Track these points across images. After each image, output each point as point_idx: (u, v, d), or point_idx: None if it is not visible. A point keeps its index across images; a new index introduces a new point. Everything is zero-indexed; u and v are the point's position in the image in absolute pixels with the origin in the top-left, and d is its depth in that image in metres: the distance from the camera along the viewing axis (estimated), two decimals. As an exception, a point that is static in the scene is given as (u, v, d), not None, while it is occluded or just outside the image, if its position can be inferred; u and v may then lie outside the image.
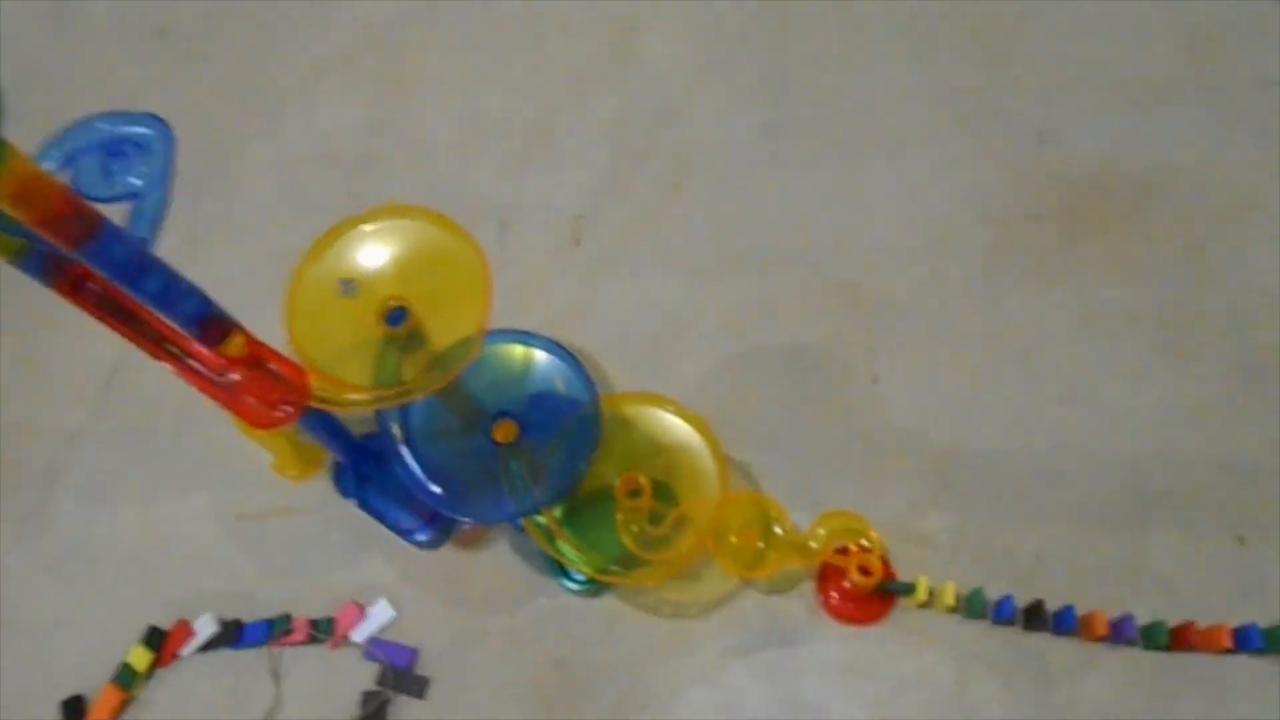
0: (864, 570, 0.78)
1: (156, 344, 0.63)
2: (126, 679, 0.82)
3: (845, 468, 0.87)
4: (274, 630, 0.84)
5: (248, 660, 0.84)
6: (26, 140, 0.62)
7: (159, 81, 1.14)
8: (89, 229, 0.50)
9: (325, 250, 0.71)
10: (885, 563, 0.81)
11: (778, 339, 0.94)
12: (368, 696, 0.81)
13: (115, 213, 0.56)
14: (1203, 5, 1.06)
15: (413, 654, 0.83)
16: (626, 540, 0.78)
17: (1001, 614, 0.80)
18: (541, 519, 0.79)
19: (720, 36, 1.11)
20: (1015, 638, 0.80)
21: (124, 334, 0.62)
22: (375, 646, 0.83)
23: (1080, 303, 0.93)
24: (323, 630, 0.84)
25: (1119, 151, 1.00)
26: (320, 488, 0.89)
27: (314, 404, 0.67)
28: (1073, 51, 1.05)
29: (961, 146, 1.02)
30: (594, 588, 0.83)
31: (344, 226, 0.72)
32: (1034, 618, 0.80)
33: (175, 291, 0.57)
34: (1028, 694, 0.78)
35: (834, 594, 0.82)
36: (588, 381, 0.80)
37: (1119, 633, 0.78)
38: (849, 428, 0.89)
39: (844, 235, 0.98)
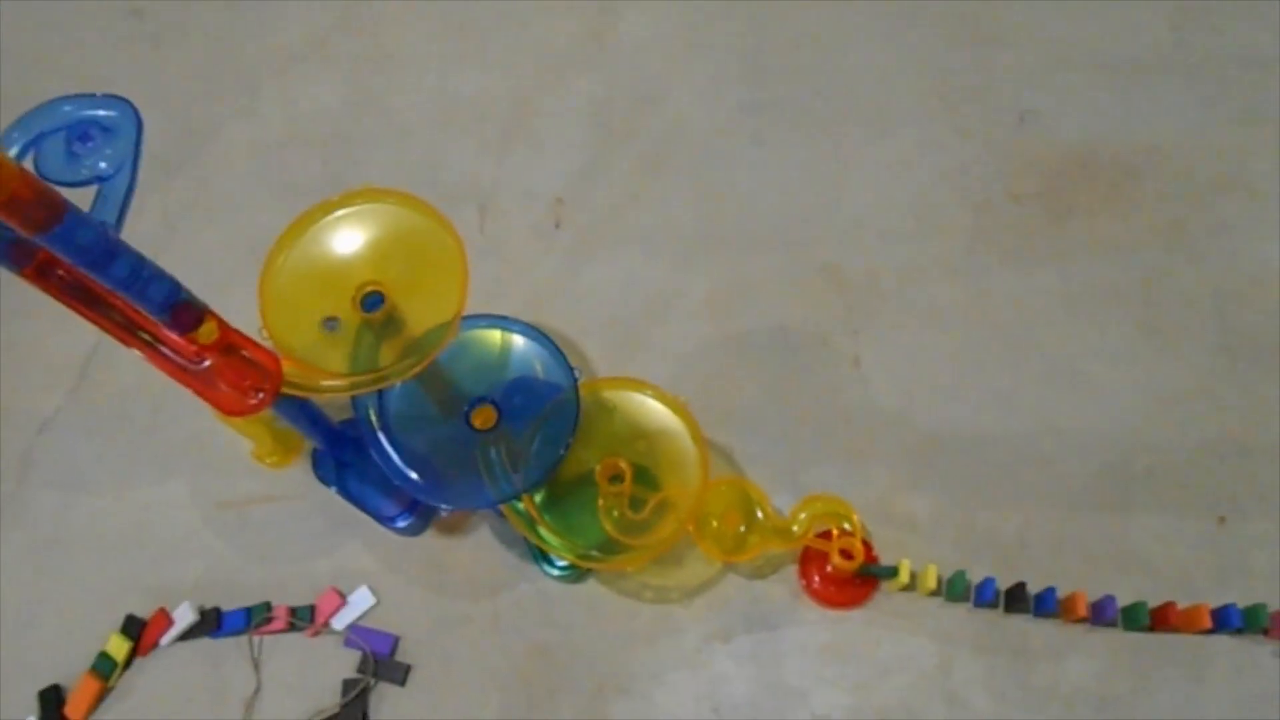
0: (846, 554, 0.78)
1: (127, 331, 0.62)
2: (105, 668, 0.82)
3: (827, 451, 0.87)
4: (254, 618, 0.84)
5: (227, 649, 0.83)
6: (-8, 124, 0.61)
7: (132, 62, 1.13)
8: (53, 214, 0.49)
9: (300, 235, 0.70)
10: (867, 546, 0.81)
11: (759, 322, 0.93)
12: (348, 684, 0.81)
13: (81, 198, 0.55)
14: (1186, -17, 1.06)
15: (394, 641, 0.83)
16: (607, 525, 0.77)
17: (983, 596, 0.80)
18: (522, 505, 0.78)
19: (701, 16, 1.09)
20: (997, 620, 0.80)
21: (94, 321, 0.61)
22: (356, 634, 0.83)
23: (1063, 283, 0.93)
24: (303, 618, 0.83)
25: (1102, 131, 0.99)
26: (299, 475, 0.89)
27: (288, 390, 0.66)
28: (1055, 30, 1.05)
29: (944, 127, 1.01)
30: (575, 573, 0.83)
31: (319, 211, 0.71)
32: (1015, 600, 0.80)
33: (144, 277, 0.56)
34: (1010, 676, 0.79)
35: (816, 578, 0.82)
36: (566, 366, 0.80)
37: (1100, 614, 0.78)
38: (831, 410, 0.89)
39: (826, 216, 0.98)
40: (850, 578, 0.81)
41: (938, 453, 0.87)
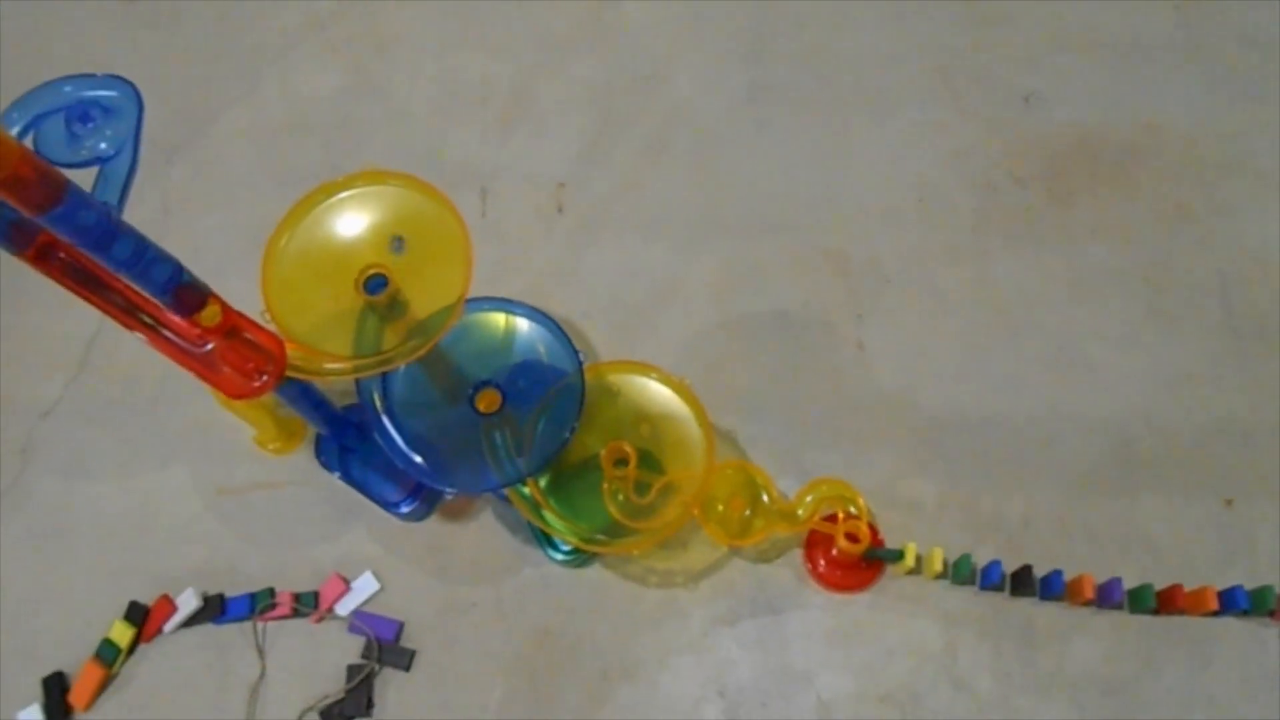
0: (851, 537, 0.78)
1: (129, 314, 0.62)
2: (108, 655, 0.81)
3: (832, 434, 0.87)
4: (257, 604, 0.83)
5: (231, 635, 0.83)
6: (-9, 106, 0.60)
7: (131, 48, 1.12)
8: (54, 193, 0.48)
9: (302, 218, 0.70)
10: (873, 529, 0.81)
11: (763, 305, 0.93)
12: (353, 669, 0.81)
13: (82, 178, 0.54)
14: (1191, -35, 1.05)
15: (398, 626, 0.82)
16: (612, 509, 0.77)
17: (989, 579, 0.79)
18: (526, 489, 0.78)
19: (703, -1, 1.09)
20: (1003, 603, 0.80)
21: (95, 304, 0.60)
22: (360, 619, 0.82)
23: (1068, 266, 0.92)
24: (307, 604, 0.83)
25: (1106, 113, 0.99)
26: (302, 461, 0.88)
27: (292, 373, 0.65)
28: (1059, 12, 1.04)
29: (947, 109, 1.01)
30: (580, 557, 0.83)
31: (321, 193, 0.70)
32: (1021, 582, 0.80)
33: (146, 259, 0.55)
34: (1016, 658, 0.78)
35: (822, 561, 0.82)
36: (571, 350, 0.79)
37: (1106, 596, 0.78)
38: (836, 394, 0.89)
39: (829, 200, 0.97)
40: (856, 561, 0.81)
41: (943, 436, 0.86)
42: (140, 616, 0.83)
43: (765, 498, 0.81)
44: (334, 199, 0.70)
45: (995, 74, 1.02)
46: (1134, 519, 0.82)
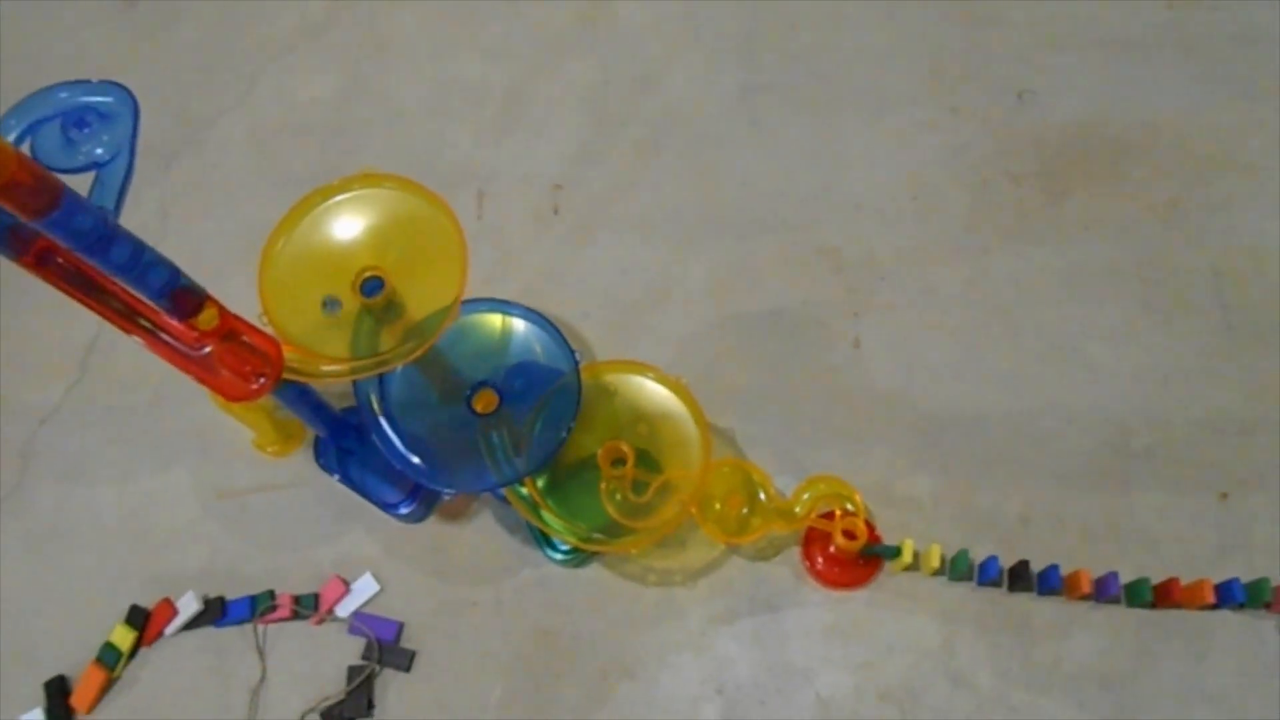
0: (849, 534, 0.78)
1: (127, 318, 0.62)
2: (110, 658, 0.82)
3: (829, 432, 0.87)
4: (258, 607, 0.84)
5: (232, 638, 0.84)
6: (-13, 112, 0.61)
7: (127, 53, 1.12)
8: (51, 198, 0.49)
9: (298, 221, 0.70)
10: (870, 526, 0.81)
11: (759, 304, 0.93)
12: (354, 670, 0.81)
13: (79, 184, 0.55)
14: (1183, -39, 1.05)
15: (398, 627, 0.83)
16: (610, 509, 0.77)
17: (986, 575, 0.80)
18: (524, 490, 0.78)
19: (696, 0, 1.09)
20: (1000, 598, 0.81)
21: (92, 308, 0.60)
22: (360, 620, 0.83)
23: (1062, 262, 0.92)
24: (307, 606, 0.83)
25: (1099, 110, 0.99)
26: (301, 463, 0.89)
27: (289, 375, 0.66)
28: (1051, 9, 1.05)
29: (941, 107, 1.01)
30: (579, 557, 0.83)
31: (318, 196, 0.71)
32: (1019, 578, 0.80)
33: (143, 263, 0.56)
34: (1013, 654, 0.79)
35: (819, 559, 0.82)
36: (567, 350, 0.79)
37: (1103, 590, 0.78)
38: (832, 392, 0.89)
39: (824, 198, 0.97)
40: (853, 558, 0.81)
41: (939, 432, 0.87)
42: (141, 620, 0.83)
43: (762, 496, 0.81)
44: (330, 202, 0.71)
45: (988, 72, 1.02)
46: (1130, 513, 0.82)
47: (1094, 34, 1.03)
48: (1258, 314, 0.89)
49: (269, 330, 0.66)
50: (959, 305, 0.92)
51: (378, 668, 0.81)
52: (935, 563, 0.80)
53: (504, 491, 0.79)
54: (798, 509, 0.81)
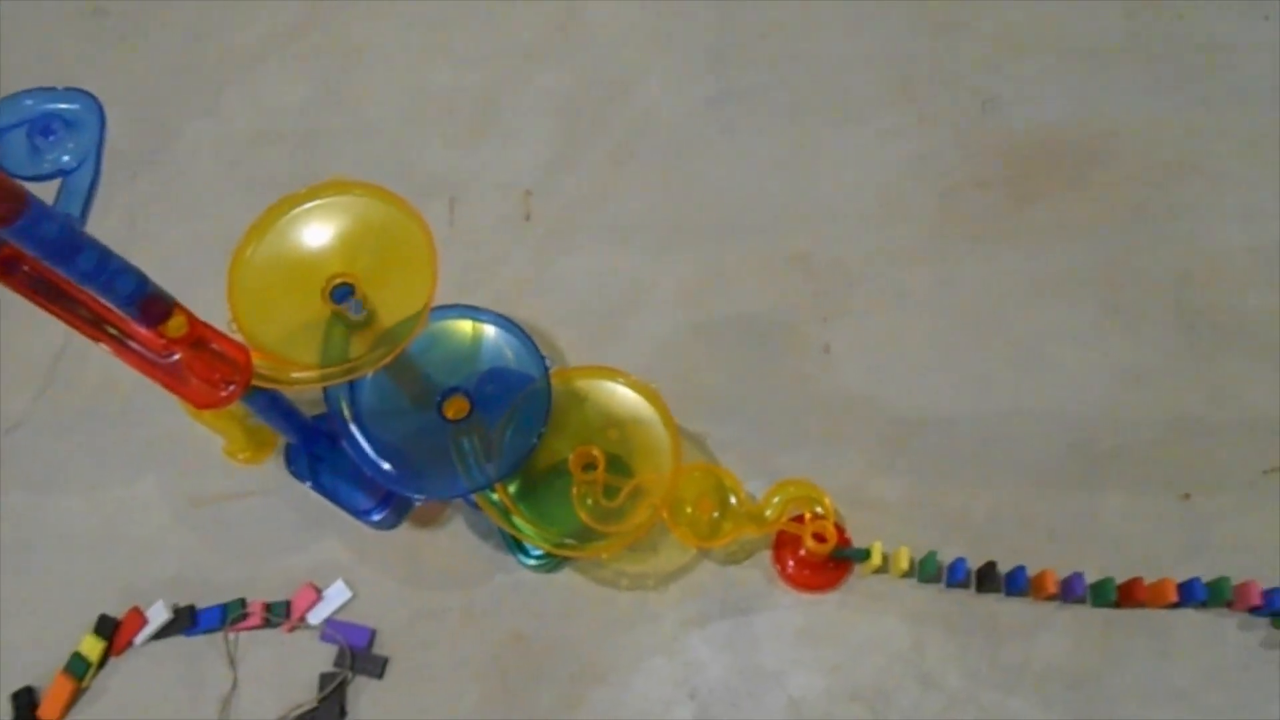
0: (819, 537, 0.79)
1: (95, 326, 0.62)
2: (78, 669, 0.81)
3: (799, 436, 0.88)
4: (228, 615, 0.83)
5: (202, 646, 0.83)
6: (-48, 119, 0.60)
7: (96, 61, 1.12)
8: (16, 206, 0.49)
9: (268, 228, 0.70)
10: (840, 529, 0.82)
11: (730, 310, 0.94)
12: (326, 678, 0.81)
13: (45, 191, 0.54)
14: (1144, -29, 1.07)
15: (370, 634, 0.83)
16: (582, 513, 0.78)
17: (955, 576, 0.81)
18: (496, 495, 0.79)
19: (667, 7, 1.10)
20: (969, 599, 0.81)
21: (60, 316, 0.60)
22: (332, 627, 0.83)
23: (1028, 267, 0.94)
24: (278, 613, 0.83)
25: (1063, 117, 1.00)
26: (272, 470, 0.88)
27: (259, 382, 0.66)
28: (1016, 19, 1.06)
29: (909, 115, 1.02)
30: (551, 562, 0.83)
31: (287, 203, 0.71)
32: (986, 579, 0.81)
33: (110, 270, 0.55)
34: (982, 654, 0.80)
35: (790, 562, 0.83)
36: (538, 356, 0.80)
37: (1069, 591, 0.79)
38: (802, 396, 0.90)
39: (795, 204, 0.98)
40: (824, 561, 0.82)
41: (908, 436, 0.88)
42: (110, 629, 0.83)
43: (733, 500, 0.82)
44: (300, 209, 0.71)
45: (955, 79, 1.03)
46: (1095, 514, 0.84)
47: (1058, 43, 1.04)
48: (1219, 317, 0.90)
49: (238, 338, 0.66)
50: (927, 310, 0.93)
51: (350, 675, 0.81)
52: (904, 565, 0.80)
53: (475, 497, 0.79)
54: (768, 512, 0.81)
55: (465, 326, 0.81)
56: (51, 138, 0.57)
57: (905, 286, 0.94)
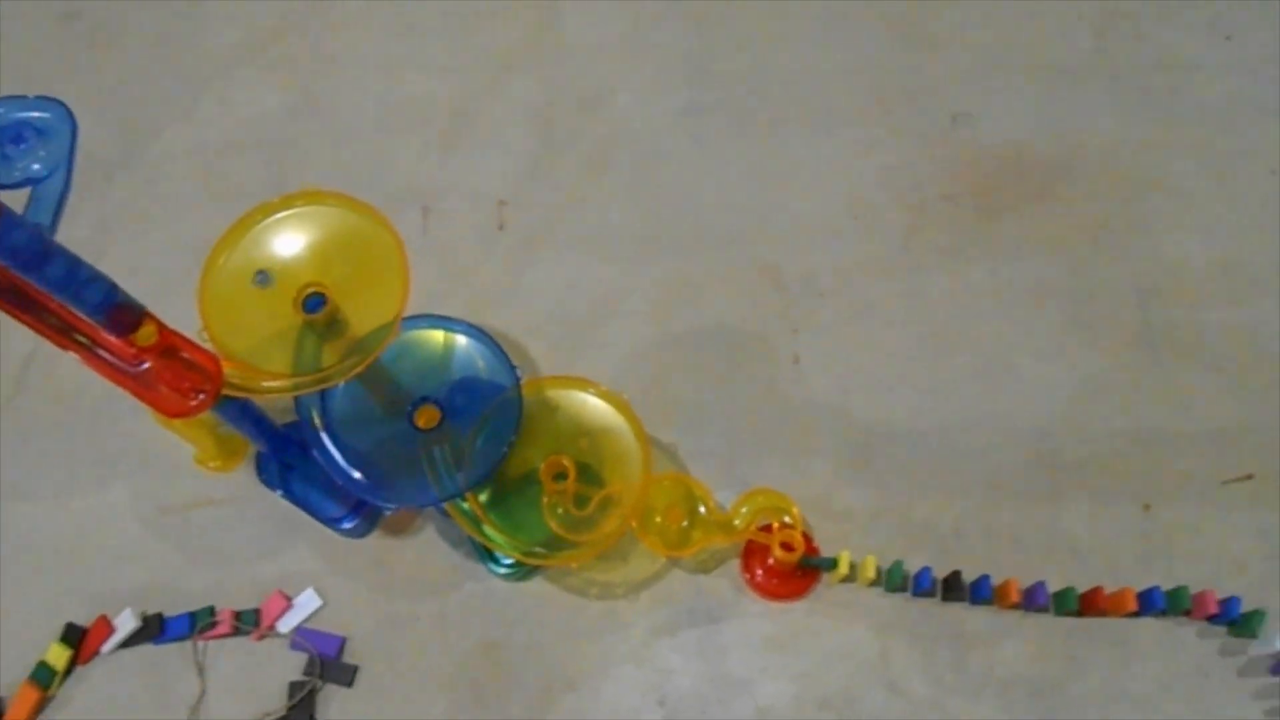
0: (787, 547, 0.80)
1: (64, 334, 0.61)
2: (44, 678, 0.81)
3: (768, 446, 0.89)
4: (197, 623, 0.83)
5: (170, 655, 0.83)
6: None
7: (68, 66, 1.11)
8: (-16, 215, 0.49)
9: (240, 237, 0.70)
10: (808, 539, 0.83)
11: (701, 320, 0.95)
12: (295, 686, 0.81)
13: (14, 200, 0.54)
14: (1110, -10, 1.09)
15: (340, 642, 0.83)
16: (552, 523, 0.78)
17: (921, 585, 0.82)
18: (467, 504, 0.79)
19: (641, 19, 1.11)
20: (934, 608, 0.83)
21: (28, 324, 0.60)
22: (302, 636, 0.83)
23: (994, 280, 0.95)
24: (248, 622, 0.83)
25: (1031, 133, 1.02)
26: (243, 478, 0.88)
27: (230, 391, 0.66)
28: (986, 35, 1.08)
29: (880, 128, 1.03)
30: (522, 571, 0.84)
31: (259, 213, 0.71)
32: (952, 588, 0.82)
33: (80, 279, 0.55)
34: (947, 662, 0.81)
35: (759, 571, 0.83)
36: (509, 366, 0.80)
37: (1032, 599, 0.81)
38: (772, 407, 0.91)
39: (766, 216, 0.99)
40: (792, 570, 0.82)
41: (876, 446, 0.89)
42: (77, 638, 0.82)
43: (703, 509, 0.82)
44: (272, 219, 0.71)
45: (926, 95, 1.05)
46: (1058, 524, 0.85)
47: (1026, 60, 1.06)
48: (1180, 331, 0.92)
49: (209, 347, 0.66)
50: (896, 322, 0.94)
51: (319, 683, 0.81)
52: (871, 574, 0.81)
53: (446, 506, 0.79)
54: (737, 522, 0.82)
55: (437, 336, 0.81)
56: (23, 145, 0.57)
57: (874, 298, 0.95)
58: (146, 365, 0.63)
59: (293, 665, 0.82)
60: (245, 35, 1.12)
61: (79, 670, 0.83)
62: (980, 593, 0.81)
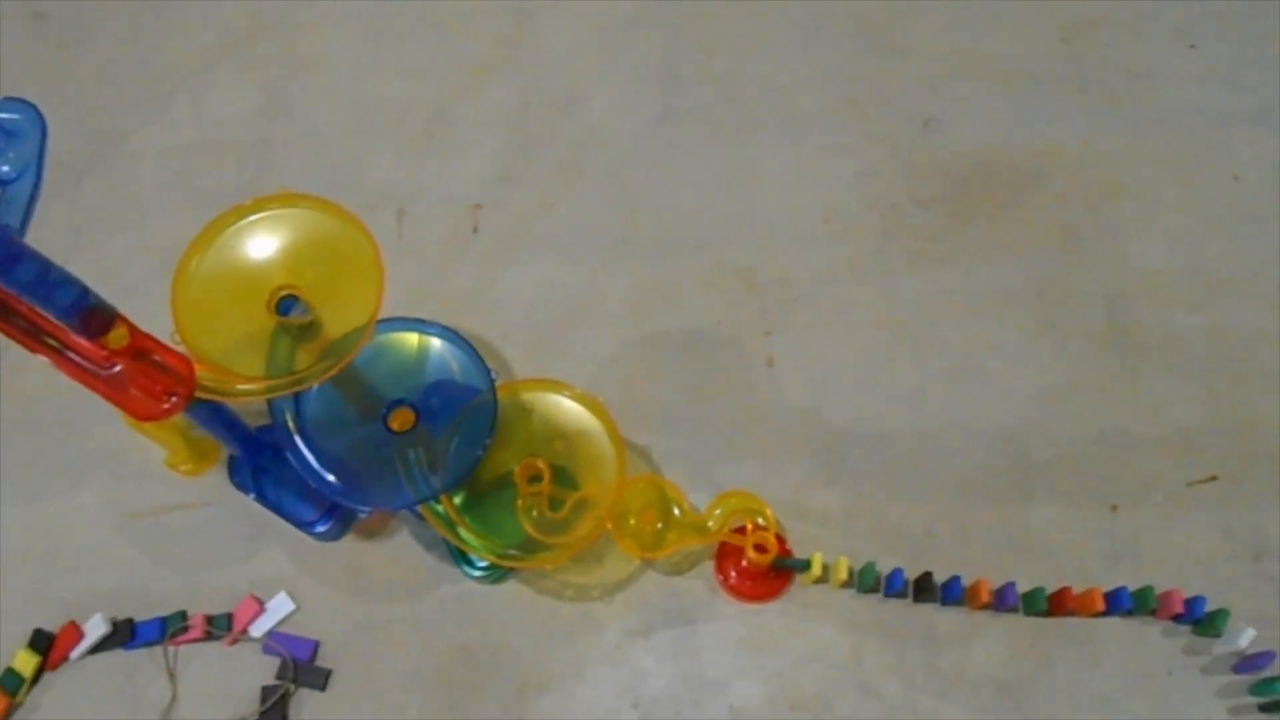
0: (760, 548, 0.80)
1: (33, 337, 0.61)
2: (11, 684, 0.80)
3: (742, 448, 0.89)
4: (168, 628, 0.83)
5: (141, 660, 0.82)
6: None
7: (38, 68, 1.10)
8: (-46, 217, 0.48)
9: (213, 239, 0.70)
10: (781, 540, 0.83)
11: (676, 323, 0.95)
12: (267, 690, 0.80)
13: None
14: (1078, 1, 1.10)
15: (314, 646, 0.82)
16: (527, 525, 0.78)
17: (892, 587, 0.82)
18: (441, 507, 0.79)
19: (617, 24, 1.11)
20: (906, 609, 0.83)
21: (-2, 327, 0.60)
22: (275, 640, 0.82)
23: (965, 284, 0.96)
24: (220, 626, 0.83)
25: (1001, 139, 1.03)
26: (215, 482, 0.87)
27: (202, 394, 0.66)
28: (956, 42, 1.09)
29: (853, 134, 1.04)
30: (496, 573, 0.84)
31: (232, 215, 0.71)
32: (923, 589, 0.83)
33: (50, 282, 0.55)
34: (919, 662, 0.82)
35: (732, 572, 0.84)
36: (483, 368, 0.80)
37: (1002, 600, 0.82)
38: (746, 409, 0.91)
39: (740, 220, 1.00)
40: (765, 571, 0.83)
41: (848, 448, 0.89)
42: (45, 644, 0.82)
43: (677, 511, 0.83)
44: (245, 221, 0.70)
45: (898, 101, 1.06)
46: (1028, 525, 0.86)
47: (996, 67, 1.07)
48: (1146, 335, 0.94)
49: (181, 349, 0.66)
50: (868, 325, 0.95)
51: (292, 687, 0.81)
52: (843, 575, 0.82)
53: (420, 509, 0.79)
54: (711, 524, 0.83)
55: (411, 339, 0.81)
56: (-9, 148, 0.57)
57: (846, 302, 0.96)
58: (118, 368, 0.63)
59: (265, 670, 0.82)
60: (218, 36, 1.11)
61: (47, 677, 0.82)
62: (951, 593, 0.82)
